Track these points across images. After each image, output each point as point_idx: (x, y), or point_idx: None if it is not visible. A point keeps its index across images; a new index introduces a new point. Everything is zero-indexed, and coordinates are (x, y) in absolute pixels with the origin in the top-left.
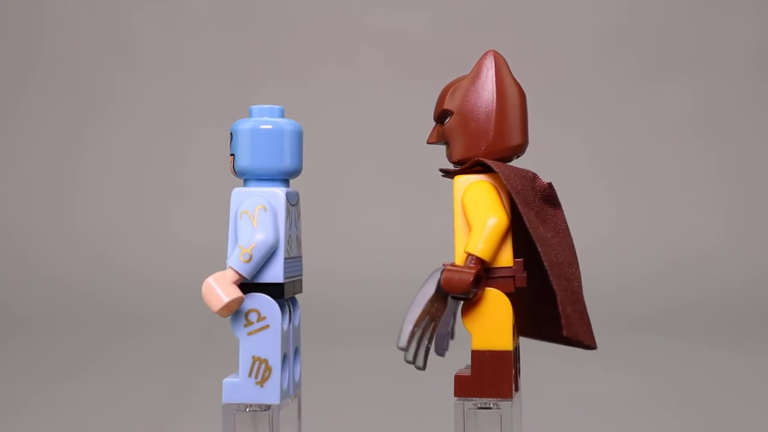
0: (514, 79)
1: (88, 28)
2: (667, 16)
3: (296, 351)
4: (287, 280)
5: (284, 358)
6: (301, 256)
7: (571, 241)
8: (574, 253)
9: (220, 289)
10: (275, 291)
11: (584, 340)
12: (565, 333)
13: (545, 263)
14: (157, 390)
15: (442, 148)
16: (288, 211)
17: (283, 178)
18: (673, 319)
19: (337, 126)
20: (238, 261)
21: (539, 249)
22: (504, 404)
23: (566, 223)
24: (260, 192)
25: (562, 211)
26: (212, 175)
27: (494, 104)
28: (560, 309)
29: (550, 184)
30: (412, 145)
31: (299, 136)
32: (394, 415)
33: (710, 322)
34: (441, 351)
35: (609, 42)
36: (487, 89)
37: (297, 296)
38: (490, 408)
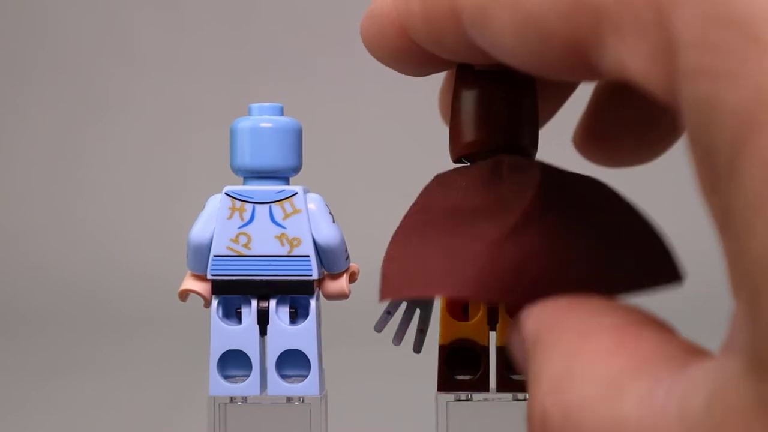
0: (476, 76)
1: (89, 29)
2: None
3: (295, 352)
4: (225, 277)
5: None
6: (284, 255)
7: (527, 200)
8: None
9: (184, 280)
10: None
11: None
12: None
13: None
14: (157, 389)
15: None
16: (237, 210)
17: (283, 176)
18: (673, 319)
19: (338, 123)
20: None
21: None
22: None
23: (535, 181)
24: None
25: (536, 170)
26: (214, 174)
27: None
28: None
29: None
30: (413, 143)
31: (299, 133)
32: (394, 414)
33: (710, 322)
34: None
35: None
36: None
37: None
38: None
